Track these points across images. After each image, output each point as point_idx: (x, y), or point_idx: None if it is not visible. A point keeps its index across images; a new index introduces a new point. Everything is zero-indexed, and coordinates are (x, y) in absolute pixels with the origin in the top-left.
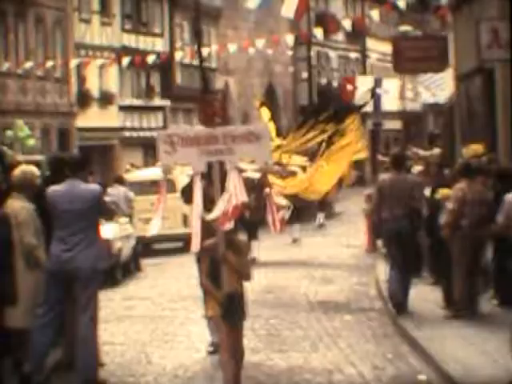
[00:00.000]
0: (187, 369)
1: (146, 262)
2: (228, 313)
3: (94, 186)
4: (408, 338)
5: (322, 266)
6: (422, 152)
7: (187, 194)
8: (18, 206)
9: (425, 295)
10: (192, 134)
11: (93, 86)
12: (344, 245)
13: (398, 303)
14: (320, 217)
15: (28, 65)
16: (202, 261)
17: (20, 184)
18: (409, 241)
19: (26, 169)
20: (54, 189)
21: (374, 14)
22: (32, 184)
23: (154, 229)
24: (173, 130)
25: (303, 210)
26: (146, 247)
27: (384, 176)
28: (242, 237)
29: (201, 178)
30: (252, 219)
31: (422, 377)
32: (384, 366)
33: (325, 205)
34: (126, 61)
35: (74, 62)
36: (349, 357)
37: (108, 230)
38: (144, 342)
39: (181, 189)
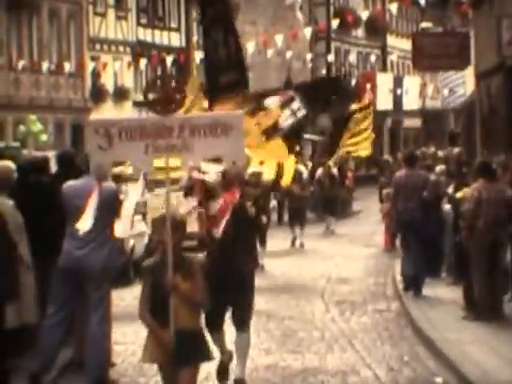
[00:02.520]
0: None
1: None
2: (178, 356)
3: (109, 185)
4: (425, 340)
5: (339, 265)
6: (440, 152)
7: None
8: None
9: (443, 296)
10: (136, 123)
11: (107, 81)
12: (361, 244)
13: (410, 287)
14: (331, 221)
15: (45, 66)
16: (142, 286)
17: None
18: (422, 229)
19: (1, 164)
20: (69, 184)
21: (393, 7)
22: (9, 179)
23: (85, 226)
24: (110, 117)
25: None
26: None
27: (399, 173)
28: (195, 254)
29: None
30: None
31: (439, 379)
32: (400, 368)
33: (335, 207)
34: (143, 62)
35: (88, 57)
36: (364, 358)
37: (121, 228)
38: None
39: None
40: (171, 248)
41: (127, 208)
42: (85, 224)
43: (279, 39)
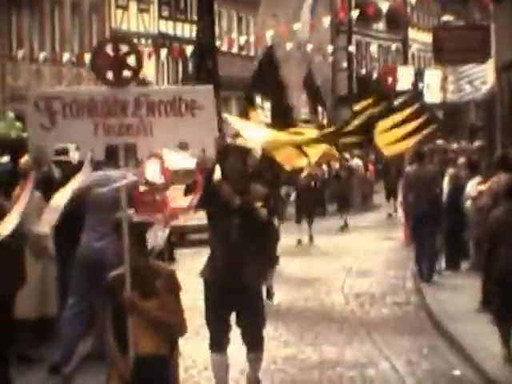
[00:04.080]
0: None
1: (180, 252)
2: None
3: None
4: (444, 333)
5: (359, 258)
6: (454, 145)
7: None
8: None
9: (463, 289)
10: (83, 97)
11: None
12: (381, 237)
13: (423, 273)
14: (343, 218)
15: (66, 57)
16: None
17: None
18: (431, 220)
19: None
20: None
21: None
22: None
23: (7, 229)
24: (54, 90)
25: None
26: (181, 237)
27: (410, 168)
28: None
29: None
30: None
31: (457, 372)
32: (419, 361)
33: (346, 206)
34: (164, 52)
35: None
36: (383, 351)
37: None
38: None
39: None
40: (128, 258)
41: (57, 200)
42: (6, 226)
43: (297, 27)
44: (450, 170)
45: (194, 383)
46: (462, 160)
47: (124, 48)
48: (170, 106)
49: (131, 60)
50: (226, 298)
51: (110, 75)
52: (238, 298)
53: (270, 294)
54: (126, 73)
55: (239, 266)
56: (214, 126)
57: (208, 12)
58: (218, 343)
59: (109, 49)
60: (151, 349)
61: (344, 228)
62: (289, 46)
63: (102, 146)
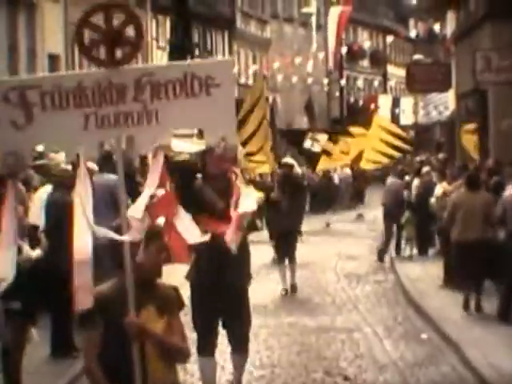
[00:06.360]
0: None
1: None
2: None
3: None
4: (414, 305)
5: (348, 246)
6: (418, 158)
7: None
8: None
9: (430, 270)
10: (69, 83)
11: None
12: (366, 228)
13: (382, 254)
14: (329, 215)
15: None
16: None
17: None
18: (395, 218)
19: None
20: (99, 176)
21: (389, 38)
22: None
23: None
24: (28, 77)
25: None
26: None
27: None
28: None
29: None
30: (287, 227)
31: (424, 335)
32: (394, 327)
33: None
34: None
35: None
36: (366, 319)
37: None
38: None
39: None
40: (131, 271)
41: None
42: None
43: (298, 60)
44: (421, 178)
45: None
46: (426, 168)
47: (119, 17)
48: (179, 85)
49: (129, 32)
50: (212, 301)
51: (101, 53)
52: (224, 301)
53: (294, 289)
54: (123, 49)
55: (223, 268)
56: (233, 108)
57: (229, 51)
58: (206, 347)
59: (98, 19)
60: (161, 378)
61: (328, 225)
62: (294, 79)
63: (94, 142)
